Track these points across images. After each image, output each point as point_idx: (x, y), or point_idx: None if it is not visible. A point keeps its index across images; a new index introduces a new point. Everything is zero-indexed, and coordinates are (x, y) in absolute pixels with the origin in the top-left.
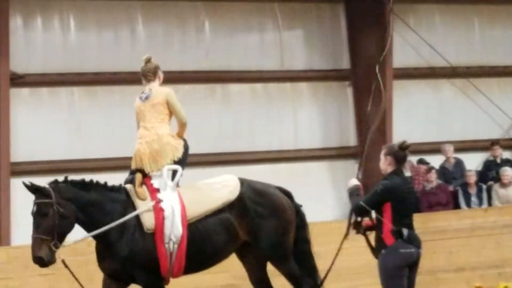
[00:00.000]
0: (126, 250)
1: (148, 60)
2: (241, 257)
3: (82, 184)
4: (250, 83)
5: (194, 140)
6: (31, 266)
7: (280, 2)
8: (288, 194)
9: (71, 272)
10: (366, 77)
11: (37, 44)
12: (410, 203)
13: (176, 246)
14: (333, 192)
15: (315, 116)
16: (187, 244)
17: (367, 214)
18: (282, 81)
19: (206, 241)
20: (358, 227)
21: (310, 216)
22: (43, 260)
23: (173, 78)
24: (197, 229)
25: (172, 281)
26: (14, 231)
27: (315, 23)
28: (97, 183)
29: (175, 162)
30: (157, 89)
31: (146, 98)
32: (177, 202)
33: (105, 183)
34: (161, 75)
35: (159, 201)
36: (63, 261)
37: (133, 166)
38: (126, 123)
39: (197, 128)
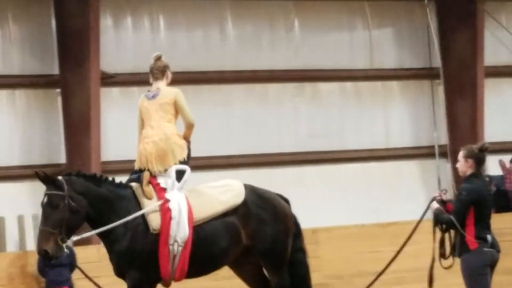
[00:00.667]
0: (124, 247)
1: (158, 58)
2: (238, 267)
3: (94, 178)
4: (340, 81)
5: (286, 140)
6: None
7: (370, 0)
8: (287, 202)
9: (87, 276)
10: (457, 76)
11: (127, 43)
12: (490, 204)
13: (180, 248)
14: (424, 190)
15: (406, 115)
16: (192, 246)
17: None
18: (373, 79)
19: (210, 245)
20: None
21: (401, 215)
22: (48, 254)
23: (262, 77)
24: (202, 232)
25: None
26: None
27: (405, 21)
28: (106, 179)
29: (181, 163)
30: (165, 89)
31: (153, 96)
32: (184, 203)
33: (113, 179)
34: (169, 74)
35: (166, 201)
36: (78, 267)
37: (137, 166)
38: (213, 122)
39: (287, 127)
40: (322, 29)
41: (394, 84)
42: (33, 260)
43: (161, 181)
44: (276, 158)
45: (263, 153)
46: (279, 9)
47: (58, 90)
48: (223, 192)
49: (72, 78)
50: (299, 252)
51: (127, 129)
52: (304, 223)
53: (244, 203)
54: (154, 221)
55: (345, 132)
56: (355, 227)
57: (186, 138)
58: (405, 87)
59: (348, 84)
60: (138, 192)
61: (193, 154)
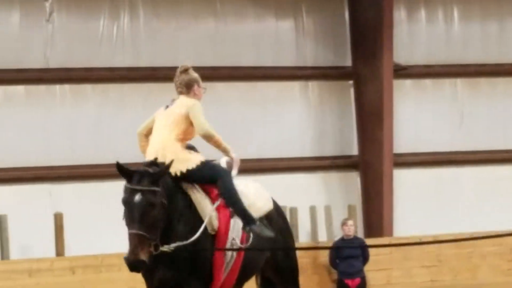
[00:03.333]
0: (189, 253)
1: (183, 71)
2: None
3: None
4: None
5: None
6: (412, 257)
7: None
8: None
9: None
10: None
11: (420, 35)
12: None
13: (235, 254)
14: None
15: None
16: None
17: None
18: None
19: (255, 254)
20: None
21: None
22: (144, 265)
23: None
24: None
25: None
26: (396, 222)
27: None
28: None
29: (181, 175)
30: (182, 100)
31: (167, 107)
32: None
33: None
34: (197, 90)
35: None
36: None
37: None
38: (509, 114)
39: None
40: None
41: None
42: (325, 251)
43: None
44: None
45: None
46: None
47: (350, 82)
48: (258, 195)
49: (365, 70)
50: None
51: (419, 122)
52: None
53: (271, 210)
54: (213, 220)
55: None
56: None
57: (222, 150)
58: None
59: None
60: (186, 185)
61: (484, 148)
